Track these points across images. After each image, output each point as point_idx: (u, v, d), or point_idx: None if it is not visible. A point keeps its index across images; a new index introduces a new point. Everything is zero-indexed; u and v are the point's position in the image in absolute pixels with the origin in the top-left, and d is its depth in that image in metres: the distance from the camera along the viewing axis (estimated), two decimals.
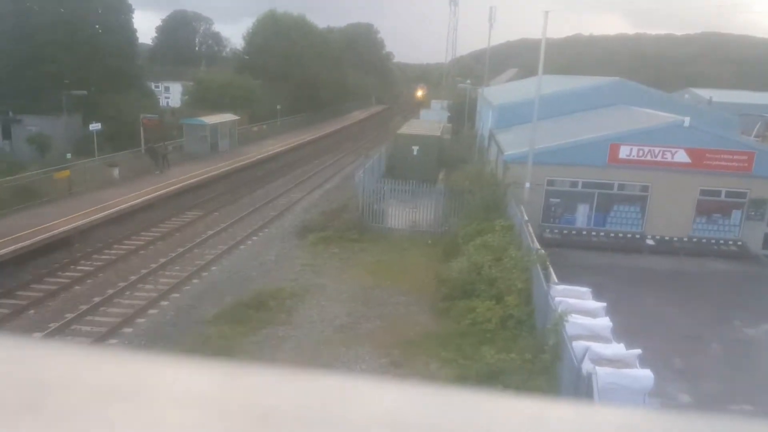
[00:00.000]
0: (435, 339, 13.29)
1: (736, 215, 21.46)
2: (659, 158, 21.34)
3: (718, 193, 21.34)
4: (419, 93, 68.33)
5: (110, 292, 16.19)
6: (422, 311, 15.21)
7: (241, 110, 45.07)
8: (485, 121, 37.29)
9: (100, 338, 13.56)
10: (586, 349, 9.70)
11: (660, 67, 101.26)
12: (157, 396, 0.54)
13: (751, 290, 18.08)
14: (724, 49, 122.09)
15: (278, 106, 50.58)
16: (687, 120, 21.32)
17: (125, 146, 32.67)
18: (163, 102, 56.75)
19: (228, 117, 40.46)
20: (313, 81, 59.16)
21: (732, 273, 19.62)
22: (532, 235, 16.68)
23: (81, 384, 0.55)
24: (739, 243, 21.23)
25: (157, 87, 59.46)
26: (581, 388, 9.07)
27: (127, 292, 16.39)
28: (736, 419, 0.49)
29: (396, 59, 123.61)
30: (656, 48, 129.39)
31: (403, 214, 22.66)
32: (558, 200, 22.27)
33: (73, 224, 20.15)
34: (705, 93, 52.50)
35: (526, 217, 18.25)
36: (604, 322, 10.83)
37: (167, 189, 26.42)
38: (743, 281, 18.92)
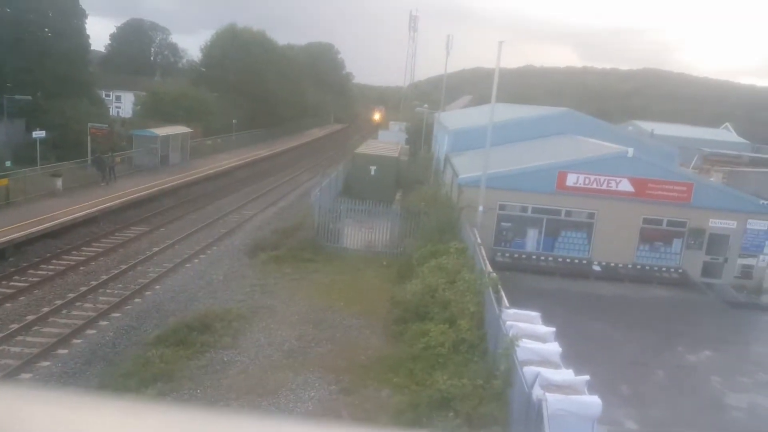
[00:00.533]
0: (387, 363, 13.12)
1: (676, 244, 22.35)
2: (604, 186, 22.07)
3: (660, 222, 22.20)
4: (376, 116, 68.70)
5: (45, 310, 15.32)
6: (375, 334, 15.03)
7: (195, 123, 44.22)
8: (441, 145, 37.84)
9: (31, 360, 12.75)
10: (537, 375, 9.75)
11: (605, 99, 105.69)
12: None
13: (691, 317, 18.77)
14: (664, 85, 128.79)
15: (234, 121, 49.92)
16: (631, 151, 22.17)
17: (71, 156, 31.39)
18: (113, 111, 55.05)
19: (180, 129, 39.60)
20: (271, 97, 58.76)
21: (674, 300, 20.34)
22: (485, 258, 16.85)
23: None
24: (680, 271, 22.07)
25: (108, 96, 57.68)
26: (531, 415, 9.09)
27: (64, 311, 15.55)
28: None
29: (356, 80, 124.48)
30: (602, 81, 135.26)
31: (358, 234, 22.54)
32: (509, 224, 22.67)
33: (8, 236, 19.10)
34: (647, 126, 55.03)
35: (479, 240, 18.45)
36: (554, 348, 10.93)
37: (112, 202, 25.47)
38: (684, 308, 19.62)
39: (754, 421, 12.34)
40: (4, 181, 23.65)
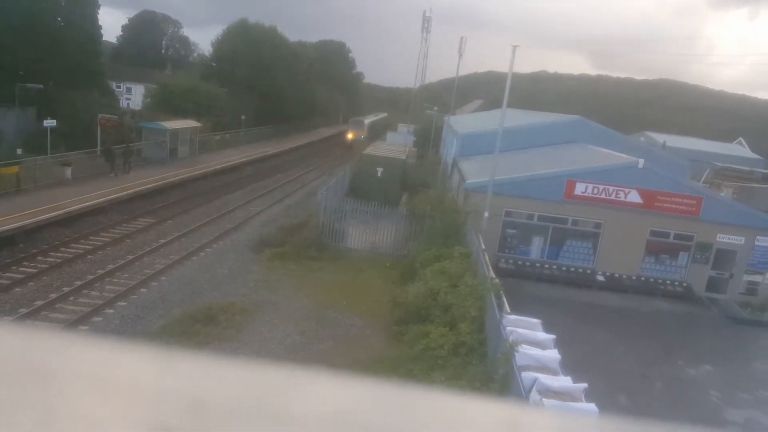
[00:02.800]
0: (387, 363, 13.20)
1: (682, 257, 22.28)
2: (613, 197, 22.04)
3: (667, 235, 22.14)
4: (349, 135, 60.43)
5: (53, 296, 15.50)
6: (376, 334, 15.11)
7: (204, 118, 44.39)
8: (449, 149, 37.87)
9: None
10: (534, 381, 9.81)
11: (618, 108, 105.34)
12: (84, 379, 0.52)
13: (693, 331, 18.73)
14: (679, 96, 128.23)
15: (243, 117, 50.09)
16: (641, 162, 22.14)
17: (81, 146, 31.59)
18: (123, 103, 55.34)
19: (190, 123, 39.76)
20: (280, 94, 58.86)
21: (677, 313, 20.29)
22: (488, 263, 16.89)
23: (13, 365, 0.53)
24: (685, 284, 22.00)
25: (118, 87, 58.02)
26: None
27: (71, 298, 15.71)
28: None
29: (366, 80, 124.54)
30: (616, 90, 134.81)
31: (363, 234, 22.61)
32: (514, 231, 22.67)
33: (18, 223, 19.29)
34: (659, 137, 54.74)
35: (483, 246, 18.49)
36: (553, 355, 11.00)
37: (121, 193, 25.66)
38: (687, 322, 19.58)
39: None
40: (15, 169, 23.87)
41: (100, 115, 32.95)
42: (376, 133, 61.93)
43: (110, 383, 0.53)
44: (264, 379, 0.56)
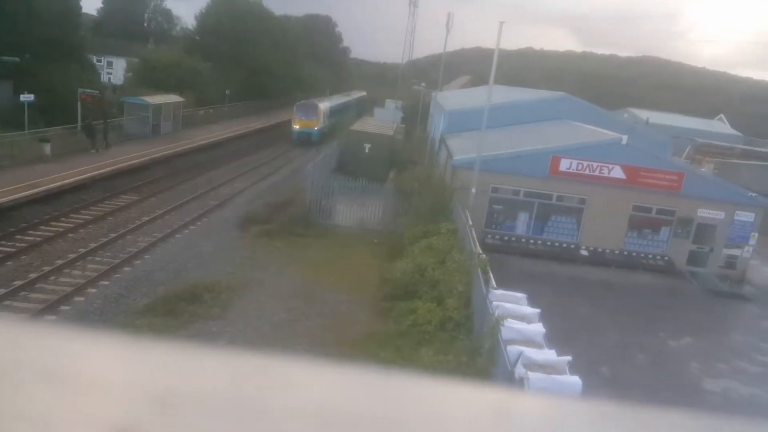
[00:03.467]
0: (375, 339, 13.28)
1: (664, 232, 22.60)
2: (597, 173, 22.20)
3: (649, 210, 22.41)
4: (295, 126, 43.17)
5: (33, 275, 15.28)
6: (364, 310, 15.17)
7: (187, 92, 43.66)
8: (437, 125, 37.74)
9: None
10: (520, 354, 9.95)
11: (603, 85, 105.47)
12: (39, 372, 0.49)
13: (674, 304, 19.09)
14: (662, 73, 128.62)
15: (227, 91, 49.37)
16: (625, 138, 22.27)
17: (60, 121, 30.93)
18: (104, 77, 54.17)
19: (173, 98, 39.11)
20: (266, 68, 57.99)
21: (658, 286, 20.64)
22: (475, 239, 16.97)
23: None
24: (666, 258, 22.36)
25: (99, 61, 56.66)
26: None
27: (52, 277, 15.51)
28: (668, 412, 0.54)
29: (353, 55, 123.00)
30: (600, 67, 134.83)
31: (351, 211, 22.57)
32: (501, 207, 22.79)
33: None
34: (643, 114, 55.12)
35: (470, 222, 18.56)
36: (538, 328, 11.14)
37: (102, 170, 25.27)
38: (668, 295, 19.94)
39: (727, 404, 12.66)
40: None
41: (80, 90, 32.22)
42: (346, 120, 44.83)
43: (69, 376, 0.49)
44: (240, 369, 0.53)
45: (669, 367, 14.16)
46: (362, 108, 59.45)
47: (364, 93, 70.94)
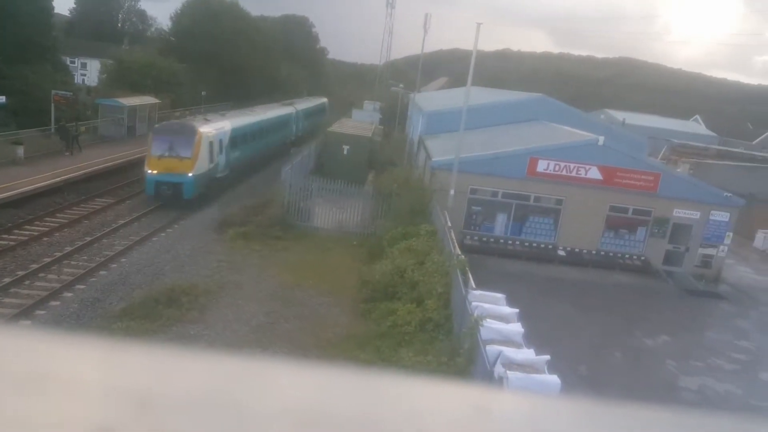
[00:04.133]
0: (354, 340, 13.25)
1: (641, 232, 22.93)
2: (574, 174, 22.43)
3: (626, 210, 22.72)
4: (150, 169, 32.79)
5: (6, 280, 14.95)
6: (343, 312, 15.13)
7: (163, 94, 43.15)
8: (415, 126, 37.85)
9: None
10: (499, 354, 10.00)
11: (580, 86, 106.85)
12: (16, 376, 0.49)
13: (651, 303, 19.38)
14: (639, 74, 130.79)
15: (203, 93, 48.90)
16: (601, 139, 22.55)
17: (33, 124, 30.37)
18: (78, 79, 53.34)
19: (148, 100, 38.63)
20: (242, 69, 57.58)
21: (635, 286, 20.94)
22: (454, 240, 17.03)
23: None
24: (643, 258, 22.68)
25: (72, 63, 55.82)
26: None
27: (27, 281, 15.20)
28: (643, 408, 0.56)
29: (330, 56, 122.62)
30: (577, 68, 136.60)
31: (329, 213, 22.49)
32: (479, 208, 22.91)
33: None
34: (619, 115, 55.97)
35: (449, 223, 18.63)
36: (517, 328, 11.21)
37: (77, 172, 24.82)
38: (645, 294, 20.23)
39: (702, 401, 12.89)
40: None
41: (53, 92, 31.66)
42: (276, 146, 34.62)
43: (48, 380, 0.48)
44: (220, 371, 0.52)
45: (646, 366, 14.37)
46: (317, 121, 45.26)
47: (323, 100, 55.50)
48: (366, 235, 21.20)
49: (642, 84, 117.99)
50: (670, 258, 22.87)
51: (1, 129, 27.40)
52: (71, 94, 33.72)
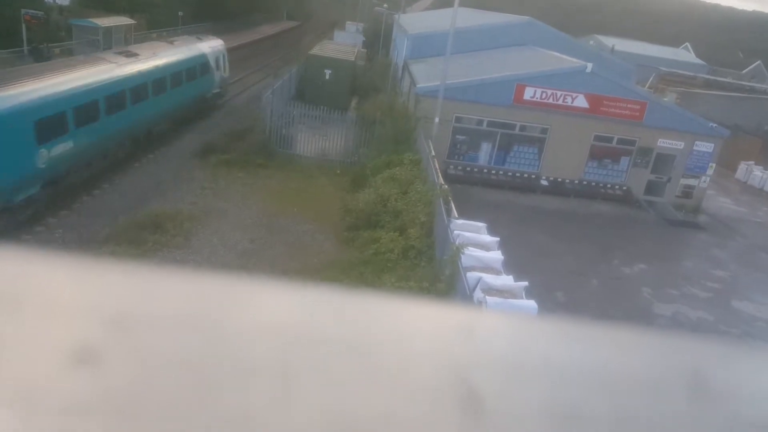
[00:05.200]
0: (338, 266, 13.47)
1: (624, 161, 23.04)
2: (561, 102, 22.19)
3: (610, 140, 22.72)
4: None
5: None
6: (327, 240, 15.29)
7: (138, 15, 41.25)
8: (400, 50, 36.81)
9: None
10: (478, 280, 10.28)
11: (569, 11, 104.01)
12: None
13: (630, 233, 19.79)
14: (628, 1, 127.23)
15: (180, 13, 46.82)
16: (590, 66, 22.18)
17: (3, 45, 29.01)
18: None
19: (123, 20, 36.93)
20: None
21: (615, 215, 21.30)
22: (438, 170, 17.03)
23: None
24: (625, 188, 22.93)
25: None
26: None
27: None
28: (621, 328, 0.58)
29: None
30: None
31: (312, 141, 22.22)
32: (464, 137, 22.74)
33: None
34: (608, 41, 54.82)
35: (433, 153, 18.55)
36: (497, 256, 11.48)
37: None
38: (625, 224, 20.64)
39: (675, 327, 13.49)
40: None
41: (23, 11, 30.03)
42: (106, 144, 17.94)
43: (23, 300, 0.48)
44: (201, 290, 0.52)
45: (622, 293, 14.86)
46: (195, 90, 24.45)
47: (219, 42, 29.13)
48: (349, 163, 21.08)
49: (632, 10, 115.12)
50: (651, 188, 23.16)
51: None
52: (43, 14, 32.06)
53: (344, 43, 40.40)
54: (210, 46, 26.76)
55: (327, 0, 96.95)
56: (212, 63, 26.11)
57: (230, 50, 48.71)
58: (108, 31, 34.34)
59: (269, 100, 22.46)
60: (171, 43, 24.45)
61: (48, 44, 28.75)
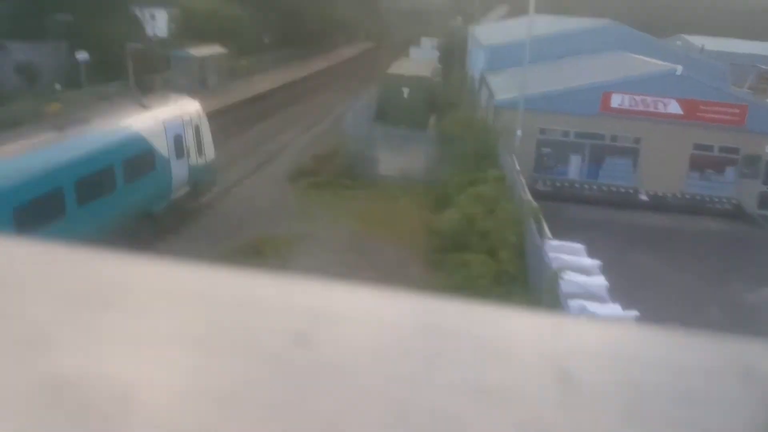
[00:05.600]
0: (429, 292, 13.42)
1: (729, 172, 21.37)
2: (651, 108, 21.12)
3: (711, 148, 21.28)
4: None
5: None
6: (415, 263, 15.28)
7: (226, 42, 43.27)
8: (476, 63, 36.52)
9: None
10: (582, 309, 9.90)
11: (651, 9, 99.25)
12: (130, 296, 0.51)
13: (746, 252, 18.00)
14: None
15: (266, 40, 48.71)
16: (679, 68, 21.00)
17: (111, 78, 31.27)
18: (149, 31, 54.09)
19: (216, 49, 38.77)
20: (298, 12, 56.69)
21: (728, 233, 19.56)
22: (525, 186, 16.65)
23: (57, 285, 0.51)
24: (734, 201, 21.09)
25: (142, 14, 56.46)
26: None
27: None
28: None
29: None
30: None
31: (394, 160, 22.40)
32: (549, 150, 22.11)
33: None
34: (696, 40, 51.68)
35: (518, 167, 18.17)
36: (600, 281, 10.98)
37: None
38: (740, 242, 18.86)
39: None
40: (56, 106, 23.79)
41: (129, 45, 32.21)
42: None
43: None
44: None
45: (749, 323, 13.51)
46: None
47: (191, 107, 17.86)
48: (431, 181, 21.02)
49: (721, 6, 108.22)
50: (766, 201, 21.20)
51: (88, 84, 28.32)
52: (146, 46, 34.24)
53: (420, 60, 40.50)
54: (165, 116, 15.81)
55: (401, 18, 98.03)
56: (166, 148, 15.55)
57: (314, 76, 50.10)
58: (204, 60, 36.14)
59: (350, 123, 22.93)
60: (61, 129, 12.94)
61: (153, 76, 30.65)
